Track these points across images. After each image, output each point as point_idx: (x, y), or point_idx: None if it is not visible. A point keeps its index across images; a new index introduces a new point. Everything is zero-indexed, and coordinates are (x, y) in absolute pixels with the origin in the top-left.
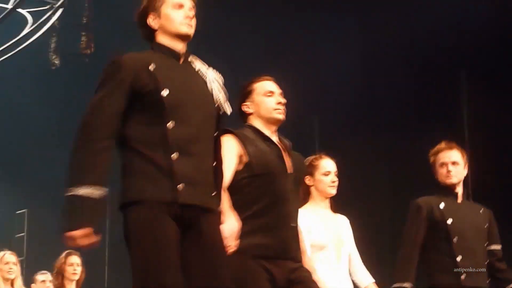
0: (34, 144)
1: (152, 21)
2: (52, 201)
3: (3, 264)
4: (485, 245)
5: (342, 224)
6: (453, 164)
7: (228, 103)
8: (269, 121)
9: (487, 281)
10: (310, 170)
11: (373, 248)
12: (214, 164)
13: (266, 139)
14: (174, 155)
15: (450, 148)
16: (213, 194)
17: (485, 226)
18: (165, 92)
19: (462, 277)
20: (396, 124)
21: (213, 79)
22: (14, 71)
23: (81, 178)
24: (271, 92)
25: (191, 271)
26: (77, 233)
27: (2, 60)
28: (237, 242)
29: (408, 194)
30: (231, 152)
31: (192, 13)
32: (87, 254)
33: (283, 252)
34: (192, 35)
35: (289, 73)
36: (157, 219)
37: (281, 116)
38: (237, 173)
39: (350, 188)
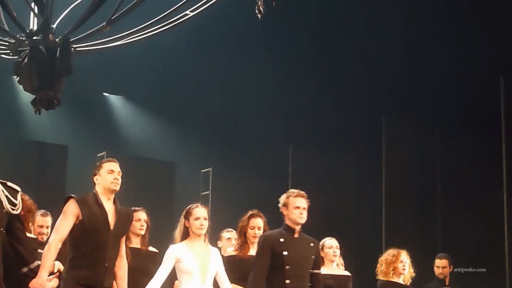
0: (226, 103)
1: None
2: (236, 160)
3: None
4: (310, 270)
5: (210, 254)
6: (304, 209)
7: (13, 206)
8: (107, 190)
9: None
10: (187, 215)
11: None
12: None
13: (99, 204)
14: None
15: (303, 196)
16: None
17: (312, 256)
18: None
19: None
20: None
21: (2, 194)
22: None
23: None
24: (112, 171)
25: None
26: None
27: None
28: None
29: None
30: (70, 214)
31: None
32: None
33: (97, 282)
34: None
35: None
36: None
37: (116, 188)
38: (74, 226)
39: None
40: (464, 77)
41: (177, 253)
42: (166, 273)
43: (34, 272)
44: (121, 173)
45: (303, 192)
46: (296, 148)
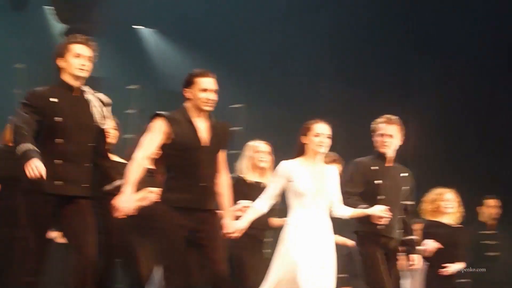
0: (254, 36)
1: (59, 62)
2: (269, 96)
3: (254, 152)
4: (402, 201)
5: (327, 176)
6: (390, 137)
7: (106, 119)
8: (199, 109)
9: (401, 230)
10: (305, 131)
11: None
12: (91, 164)
13: (189, 121)
14: (59, 162)
15: (390, 122)
16: (85, 185)
17: (405, 187)
18: (58, 119)
19: (379, 226)
20: None
21: (94, 104)
22: None
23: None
24: (205, 89)
25: (63, 226)
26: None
27: None
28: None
29: None
30: (158, 131)
31: (87, 62)
32: None
33: (195, 204)
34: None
35: None
36: (39, 202)
37: (208, 108)
38: (165, 146)
39: None
40: None
41: (288, 171)
42: (275, 192)
43: (117, 189)
44: (214, 91)
45: (394, 117)
46: None
